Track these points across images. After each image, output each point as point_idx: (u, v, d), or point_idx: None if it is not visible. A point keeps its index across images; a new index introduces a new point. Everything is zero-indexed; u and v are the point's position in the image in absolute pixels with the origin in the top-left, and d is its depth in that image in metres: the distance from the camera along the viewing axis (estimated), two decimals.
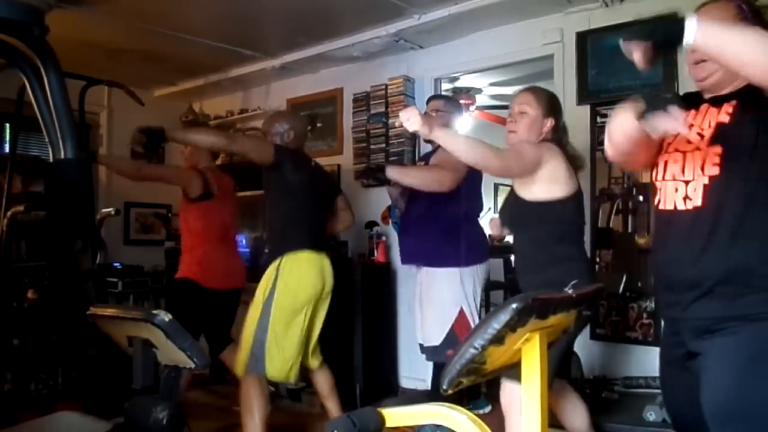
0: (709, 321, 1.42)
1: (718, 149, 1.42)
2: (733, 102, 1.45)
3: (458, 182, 2.74)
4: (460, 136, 2.10)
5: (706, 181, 1.43)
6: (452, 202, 2.82)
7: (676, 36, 1.21)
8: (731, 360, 1.37)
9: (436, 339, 2.81)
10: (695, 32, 1.20)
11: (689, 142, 1.47)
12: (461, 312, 2.80)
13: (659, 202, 1.55)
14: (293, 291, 2.67)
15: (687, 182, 1.47)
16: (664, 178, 1.54)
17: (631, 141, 1.43)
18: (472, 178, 2.85)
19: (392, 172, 2.76)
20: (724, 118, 1.44)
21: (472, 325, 2.75)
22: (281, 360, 2.64)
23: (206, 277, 3.17)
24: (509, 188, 2.23)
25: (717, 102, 1.49)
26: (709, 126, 1.46)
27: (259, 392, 2.63)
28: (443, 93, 4.34)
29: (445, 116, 3.03)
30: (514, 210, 2.18)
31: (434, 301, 2.86)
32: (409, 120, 2.00)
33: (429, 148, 3.20)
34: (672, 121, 1.21)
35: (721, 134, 1.43)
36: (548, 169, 2.03)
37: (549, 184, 2.04)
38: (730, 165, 1.40)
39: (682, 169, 1.48)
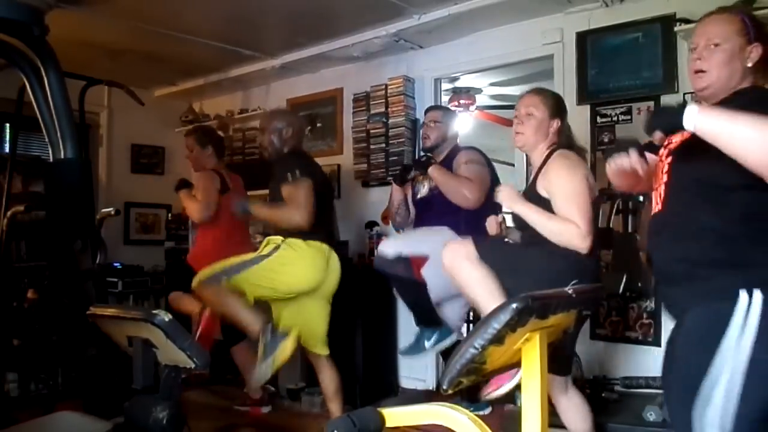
0: (670, 308, 1.54)
1: (671, 159, 1.55)
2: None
3: (482, 201, 2.82)
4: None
5: (663, 188, 1.54)
6: (468, 215, 2.84)
7: (678, 123, 1.35)
8: (682, 345, 1.46)
9: (392, 252, 2.78)
10: (694, 120, 1.32)
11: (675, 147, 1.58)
12: (427, 259, 2.73)
13: (653, 207, 1.64)
14: (292, 269, 2.69)
15: (656, 189, 1.59)
16: (656, 186, 1.62)
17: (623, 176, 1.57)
18: (490, 195, 2.86)
19: (435, 171, 2.93)
20: (687, 134, 1.51)
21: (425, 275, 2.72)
22: (245, 283, 2.63)
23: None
24: (526, 186, 2.27)
25: None
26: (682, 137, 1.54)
27: (221, 290, 2.60)
28: (444, 94, 4.35)
29: (442, 127, 3.15)
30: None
31: (422, 239, 2.87)
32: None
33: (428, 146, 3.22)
34: (625, 158, 1.46)
35: (682, 146, 1.53)
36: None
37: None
38: (674, 174, 1.53)
39: (668, 174, 1.57)
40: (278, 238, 2.75)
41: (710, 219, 1.42)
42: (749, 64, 1.51)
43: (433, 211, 3.04)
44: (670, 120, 1.38)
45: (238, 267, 2.67)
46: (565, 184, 2.10)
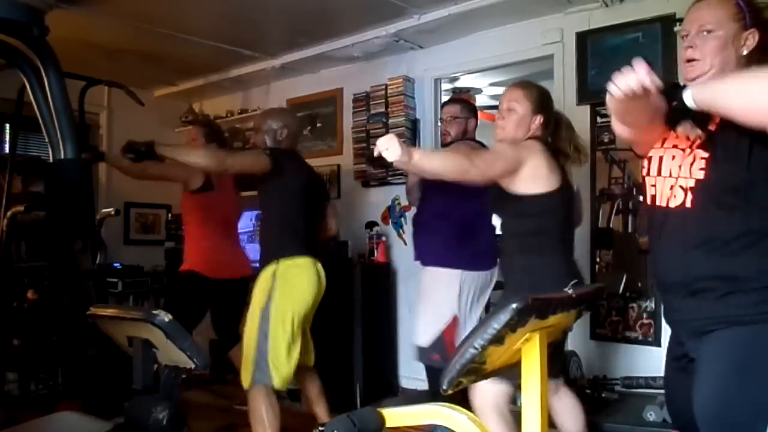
0: (700, 322, 1.41)
1: (705, 154, 1.41)
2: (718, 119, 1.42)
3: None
4: (435, 156, 2.08)
5: (693, 184, 1.41)
6: (468, 200, 2.77)
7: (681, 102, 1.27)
8: (716, 366, 1.36)
9: (425, 340, 2.79)
10: (691, 100, 1.25)
11: (688, 138, 1.44)
12: (454, 319, 2.76)
13: (653, 198, 1.52)
14: (292, 298, 2.62)
15: (677, 179, 1.45)
16: (659, 174, 1.50)
17: (630, 114, 1.43)
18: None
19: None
20: (712, 125, 1.42)
21: (461, 335, 2.71)
22: (287, 368, 2.58)
23: (211, 268, 3.19)
24: None
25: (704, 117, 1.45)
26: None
27: (269, 404, 2.56)
28: (444, 93, 4.34)
29: (461, 122, 3.02)
30: (498, 200, 2.18)
31: (430, 302, 2.84)
32: (389, 149, 1.78)
33: (429, 146, 3.21)
34: (632, 75, 1.24)
35: (708, 139, 1.41)
36: (529, 167, 2.03)
37: (529, 181, 2.04)
38: (714, 171, 1.39)
39: (679, 166, 1.46)
40: (269, 269, 2.65)
41: (752, 232, 1.32)
42: (744, 52, 1.42)
43: (430, 200, 2.97)
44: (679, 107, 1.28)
45: (263, 335, 2.57)
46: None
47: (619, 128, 1.54)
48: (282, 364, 2.56)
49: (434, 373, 2.76)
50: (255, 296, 2.67)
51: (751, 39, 1.42)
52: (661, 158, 1.51)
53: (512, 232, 2.17)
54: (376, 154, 1.82)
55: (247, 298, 2.77)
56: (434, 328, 2.77)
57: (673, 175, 1.47)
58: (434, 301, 2.83)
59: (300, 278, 2.66)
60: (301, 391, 2.96)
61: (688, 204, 1.41)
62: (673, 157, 1.48)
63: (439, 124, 3.18)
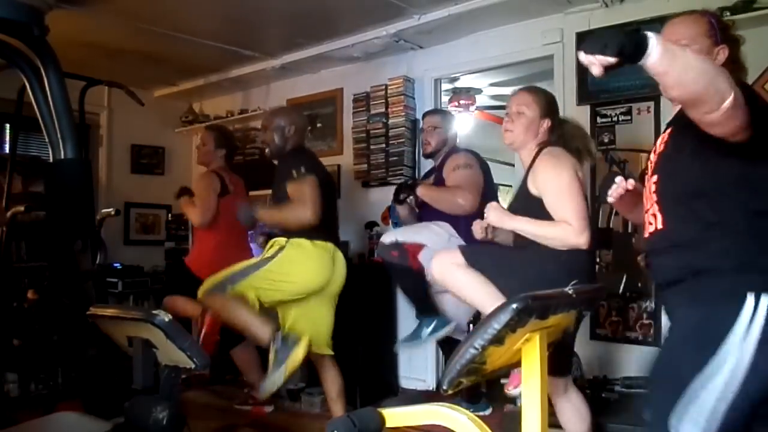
0: (670, 308, 1.53)
1: (655, 177, 1.51)
2: (670, 127, 1.51)
3: (477, 205, 2.77)
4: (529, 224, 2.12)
5: (656, 208, 1.49)
6: (465, 219, 2.82)
7: (637, 53, 1.17)
8: (679, 340, 1.45)
9: (390, 239, 2.82)
10: (653, 53, 1.17)
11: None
12: (423, 246, 2.77)
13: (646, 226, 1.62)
14: (288, 271, 2.68)
15: (647, 210, 1.54)
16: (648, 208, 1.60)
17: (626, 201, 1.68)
18: (486, 195, 2.88)
19: (423, 190, 2.96)
20: (662, 147, 1.51)
21: (423, 260, 2.74)
22: (252, 295, 2.61)
23: (219, 270, 3.20)
24: (520, 184, 2.26)
25: (668, 125, 1.55)
26: (655, 153, 1.53)
27: (228, 299, 2.60)
28: (444, 94, 4.35)
29: (442, 132, 3.16)
30: (522, 203, 2.19)
31: (416, 228, 2.94)
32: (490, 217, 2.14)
33: (428, 149, 3.22)
34: (614, 186, 1.63)
35: (658, 162, 1.51)
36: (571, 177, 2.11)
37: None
38: (663, 189, 1.49)
39: (646, 198, 1.56)
40: (282, 240, 2.73)
41: (712, 227, 1.39)
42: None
43: (429, 217, 3.03)
44: (631, 50, 1.17)
45: (243, 273, 2.65)
46: (554, 180, 2.09)
47: (625, 211, 1.81)
48: (244, 288, 2.60)
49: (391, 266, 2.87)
50: (266, 248, 2.76)
51: (722, 54, 1.51)
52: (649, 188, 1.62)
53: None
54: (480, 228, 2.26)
55: None
56: (402, 237, 2.82)
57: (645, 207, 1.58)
58: (416, 230, 2.92)
59: (313, 253, 2.69)
60: (322, 385, 2.95)
61: (659, 225, 1.49)
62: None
63: (420, 133, 3.26)
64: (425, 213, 3.11)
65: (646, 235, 1.55)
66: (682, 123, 1.39)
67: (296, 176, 2.67)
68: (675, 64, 1.19)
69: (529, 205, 2.13)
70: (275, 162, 2.95)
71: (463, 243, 2.75)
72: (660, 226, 1.48)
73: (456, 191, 2.87)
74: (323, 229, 2.73)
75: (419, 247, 2.76)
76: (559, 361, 2.07)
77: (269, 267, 2.67)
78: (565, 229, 2.02)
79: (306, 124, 3.09)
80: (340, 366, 2.90)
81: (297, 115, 3.06)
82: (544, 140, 2.23)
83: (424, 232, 2.86)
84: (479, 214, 2.77)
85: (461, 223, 2.86)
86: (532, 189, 2.13)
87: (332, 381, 2.86)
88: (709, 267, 1.39)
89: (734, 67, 1.51)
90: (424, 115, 3.33)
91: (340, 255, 2.81)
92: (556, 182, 2.08)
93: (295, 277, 2.69)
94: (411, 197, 3.05)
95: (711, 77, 1.19)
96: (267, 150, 2.98)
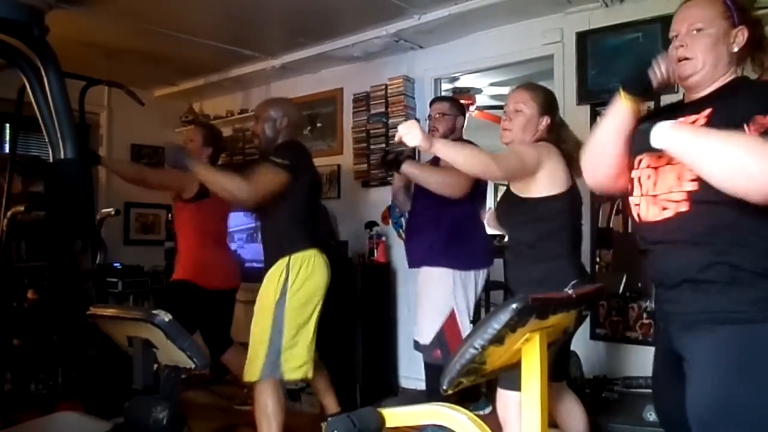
0: (694, 316, 1.38)
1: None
2: (708, 110, 1.41)
3: (470, 188, 2.69)
4: (460, 148, 2.03)
5: (685, 196, 1.38)
6: (458, 204, 2.76)
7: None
8: (712, 371, 1.33)
9: (426, 337, 2.80)
10: (665, 138, 1.25)
11: (659, 157, 1.44)
12: (452, 314, 2.77)
13: (639, 216, 1.52)
14: (308, 289, 2.60)
15: (656, 196, 1.45)
16: (642, 194, 1.51)
17: (615, 149, 1.54)
18: (476, 188, 2.81)
19: (408, 167, 2.70)
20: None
21: (462, 329, 2.74)
22: (299, 360, 2.57)
23: (204, 278, 3.18)
24: (506, 187, 2.23)
25: (695, 109, 1.45)
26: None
27: (276, 398, 2.55)
28: (444, 93, 4.34)
29: (450, 119, 2.99)
30: (509, 208, 2.18)
31: (427, 300, 2.85)
32: (409, 134, 1.88)
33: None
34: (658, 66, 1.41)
35: None
36: (547, 169, 2.02)
37: (547, 183, 2.03)
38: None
39: (654, 184, 1.46)
40: (280, 267, 2.61)
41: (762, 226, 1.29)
42: (735, 49, 1.43)
43: (422, 203, 2.94)
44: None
45: (275, 327, 2.53)
46: (520, 147, 2.08)
47: (591, 179, 1.66)
48: (292, 358, 2.55)
49: (432, 372, 2.77)
50: (265, 293, 2.61)
51: (741, 36, 1.43)
52: (639, 179, 1.52)
53: (525, 241, 2.10)
54: (397, 139, 1.90)
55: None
56: (434, 324, 2.78)
57: (650, 194, 1.47)
58: (429, 297, 2.84)
59: (313, 269, 2.64)
60: (312, 383, 2.94)
61: (683, 208, 1.39)
62: (648, 177, 1.49)
63: (427, 120, 3.15)
64: (417, 200, 3.02)
65: (653, 220, 1.45)
66: (728, 103, 1.34)
67: (271, 162, 2.55)
68: (690, 148, 1.23)
69: (515, 207, 2.12)
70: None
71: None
72: (686, 209, 1.37)
73: (446, 172, 2.67)
74: (314, 235, 2.70)
75: (450, 320, 2.75)
76: (556, 365, 2.06)
77: (290, 302, 2.56)
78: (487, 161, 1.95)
79: (300, 118, 2.99)
80: (340, 366, 2.90)
81: (291, 107, 2.91)
82: (542, 138, 2.16)
83: (427, 307, 2.84)
84: (470, 204, 2.79)
85: (465, 231, 2.83)
86: (516, 190, 2.10)
87: (320, 375, 2.88)
88: (753, 268, 1.30)
89: (756, 49, 1.45)
90: (432, 102, 3.17)
91: (325, 258, 2.73)
92: (520, 147, 2.08)
93: (310, 282, 2.62)
94: (387, 165, 2.86)
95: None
96: (256, 141, 2.88)
